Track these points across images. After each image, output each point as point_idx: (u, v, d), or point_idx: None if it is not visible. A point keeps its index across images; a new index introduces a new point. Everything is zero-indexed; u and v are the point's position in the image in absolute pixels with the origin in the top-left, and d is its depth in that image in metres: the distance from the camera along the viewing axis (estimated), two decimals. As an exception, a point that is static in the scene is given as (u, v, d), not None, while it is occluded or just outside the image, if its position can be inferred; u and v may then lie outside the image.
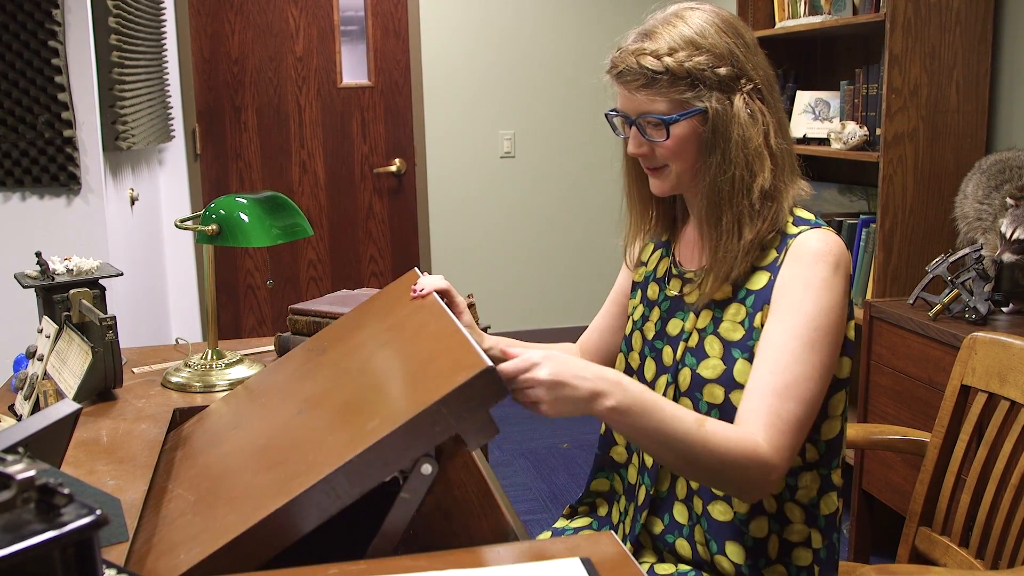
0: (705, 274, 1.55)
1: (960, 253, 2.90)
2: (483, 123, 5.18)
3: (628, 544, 1.64)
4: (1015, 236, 2.73)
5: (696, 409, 1.53)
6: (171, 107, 4.47)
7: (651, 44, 1.48)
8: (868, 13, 3.34)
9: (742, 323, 1.51)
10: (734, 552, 1.55)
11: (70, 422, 1.28)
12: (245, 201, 1.94)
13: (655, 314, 1.67)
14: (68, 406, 1.25)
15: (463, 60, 5.09)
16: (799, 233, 1.50)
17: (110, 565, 1.08)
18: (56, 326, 1.95)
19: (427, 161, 5.11)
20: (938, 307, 2.84)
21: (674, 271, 1.66)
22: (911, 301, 3.00)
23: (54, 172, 3.16)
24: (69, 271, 2.08)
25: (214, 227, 1.91)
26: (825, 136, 3.67)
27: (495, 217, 5.27)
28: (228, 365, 1.96)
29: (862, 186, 3.73)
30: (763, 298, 1.50)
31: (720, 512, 1.56)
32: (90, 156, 3.20)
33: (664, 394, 1.57)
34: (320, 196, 5.03)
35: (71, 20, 3.10)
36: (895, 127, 3.19)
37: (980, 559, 1.80)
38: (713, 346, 1.53)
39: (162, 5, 4.26)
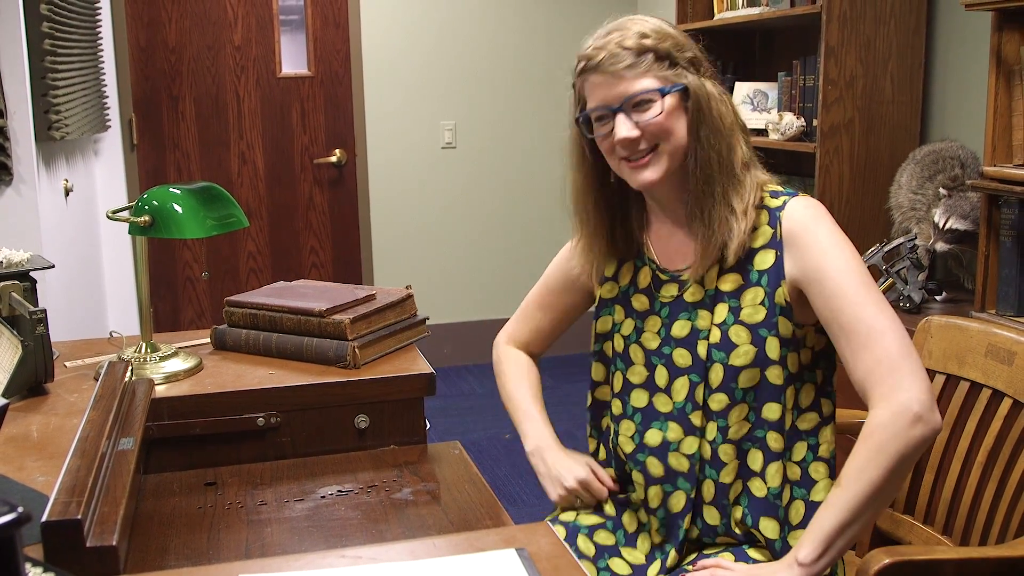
0: (699, 252, 1.58)
1: (895, 242, 2.95)
2: (424, 113, 5.15)
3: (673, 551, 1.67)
4: (948, 226, 2.78)
5: (732, 398, 1.58)
6: (107, 96, 4.39)
7: (624, 32, 1.55)
8: (805, 5, 3.38)
9: (763, 303, 1.56)
10: (768, 528, 1.59)
11: (-4, 418, 1.26)
12: (179, 192, 1.90)
13: (654, 323, 1.67)
14: (-6, 401, 1.23)
15: (404, 50, 5.06)
16: (783, 205, 1.57)
17: (36, 563, 1.06)
18: (-16, 320, 1.91)
19: (368, 152, 5.07)
20: (873, 296, 2.88)
21: (663, 276, 1.67)
22: (847, 290, 3.04)
23: (-16, 162, 3.09)
24: (-2, 263, 2.03)
25: (147, 218, 1.87)
26: (763, 127, 3.71)
27: (436, 208, 5.25)
28: (163, 358, 1.93)
29: (799, 176, 3.78)
30: (777, 274, 1.55)
31: (758, 488, 1.60)
32: (22, 146, 3.13)
33: (689, 395, 1.61)
34: (260, 187, 4.97)
35: (1, 6, 3.03)
36: (831, 118, 3.24)
37: (947, 535, 1.83)
38: (740, 334, 1.57)
39: (96, -8, 4.18)
